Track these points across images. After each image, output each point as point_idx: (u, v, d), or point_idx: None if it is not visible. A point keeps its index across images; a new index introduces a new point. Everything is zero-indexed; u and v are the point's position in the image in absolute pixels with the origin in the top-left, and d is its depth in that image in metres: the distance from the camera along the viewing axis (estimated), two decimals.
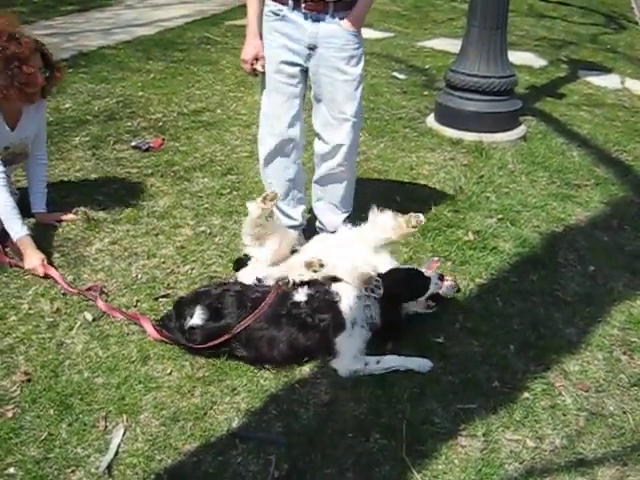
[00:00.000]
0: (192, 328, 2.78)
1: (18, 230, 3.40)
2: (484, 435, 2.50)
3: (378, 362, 2.76)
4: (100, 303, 3.09)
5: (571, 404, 2.68)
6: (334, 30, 3.08)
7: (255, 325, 2.76)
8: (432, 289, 3.01)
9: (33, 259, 3.33)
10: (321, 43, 3.10)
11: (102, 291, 3.20)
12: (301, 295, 2.83)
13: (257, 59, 3.23)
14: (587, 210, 4.14)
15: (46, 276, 3.29)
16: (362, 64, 3.20)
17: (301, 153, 3.45)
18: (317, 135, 3.36)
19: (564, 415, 2.63)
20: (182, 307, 2.88)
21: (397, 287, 2.91)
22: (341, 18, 3.07)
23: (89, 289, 3.21)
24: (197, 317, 2.79)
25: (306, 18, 3.07)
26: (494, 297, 3.27)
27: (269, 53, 3.20)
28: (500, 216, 3.98)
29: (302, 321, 2.78)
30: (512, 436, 2.52)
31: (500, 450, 2.45)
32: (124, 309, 3.08)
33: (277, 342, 2.76)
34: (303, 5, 3.03)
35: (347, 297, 2.82)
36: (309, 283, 2.89)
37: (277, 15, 3.11)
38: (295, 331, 2.77)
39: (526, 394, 2.71)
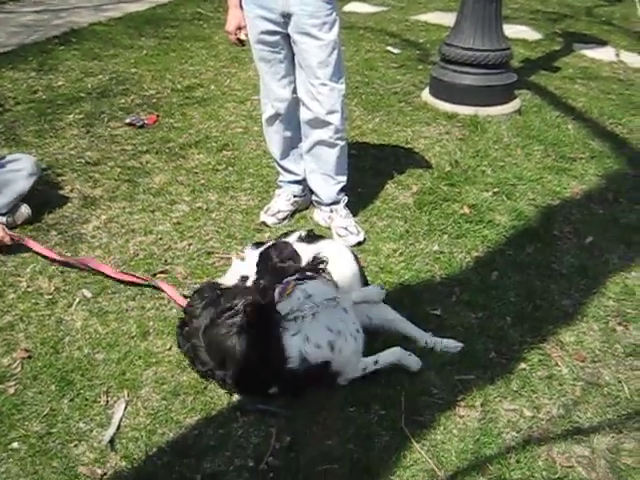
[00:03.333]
0: None
1: None
2: (482, 405, 2.53)
3: (376, 362, 2.59)
4: None
5: (567, 374, 2.70)
6: None
7: None
8: None
9: None
10: (294, 10, 3.13)
11: None
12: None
13: (240, 29, 3.36)
14: (582, 183, 4.14)
15: (14, 242, 3.28)
16: (336, 30, 3.22)
17: (298, 111, 3.47)
18: (301, 102, 3.40)
19: (560, 385, 2.65)
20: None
21: None
22: None
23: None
24: None
25: None
26: (490, 270, 3.29)
27: (249, 24, 3.30)
28: (496, 189, 3.99)
29: None
30: (509, 406, 2.55)
31: (498, 420, 2.48)
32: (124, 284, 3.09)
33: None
34: None
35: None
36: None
37: None
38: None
39: (523, 365, 2.73)
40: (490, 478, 2.27)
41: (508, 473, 2.29)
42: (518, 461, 2.33)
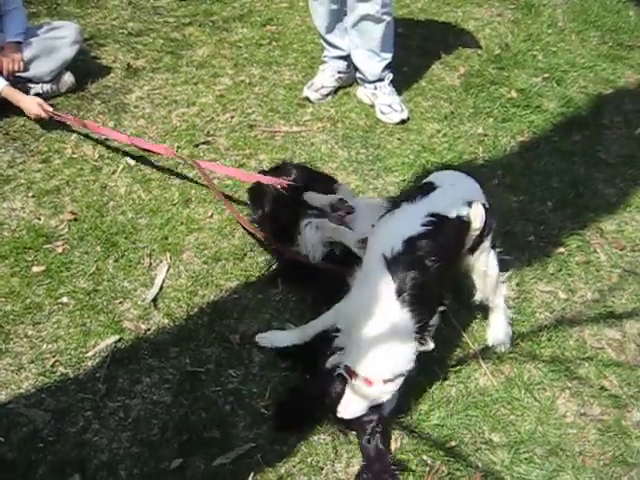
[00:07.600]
0: None
1: None
2: (518, 285, 2.56)
3: None
4: None
5: (605, 261, 2.71)
6: None
7: None
8: None
9: (32, 107, 3.24)
10: None
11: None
12: None
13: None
14: (638, 73, 3.97)
15: (51, 118, 3.26)
16: None
17: None
18: None
19: (597, 271, 2.66)
20: None
21: None
22: None
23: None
24: None
25: None
26: (535, 155, 3.24)
27: None
28: (546, 75, 3.85)
29: None
30: (545, 287, 2.58)
31: (532, 300, 2.52)
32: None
33: None
34: None
35: None
36: None
37: None
38: None
39: (561, 249, 2.74)
40: (521, 354, 2.34)
41: (539, 350, 2.35)
42: (549, 339, 2.39)
